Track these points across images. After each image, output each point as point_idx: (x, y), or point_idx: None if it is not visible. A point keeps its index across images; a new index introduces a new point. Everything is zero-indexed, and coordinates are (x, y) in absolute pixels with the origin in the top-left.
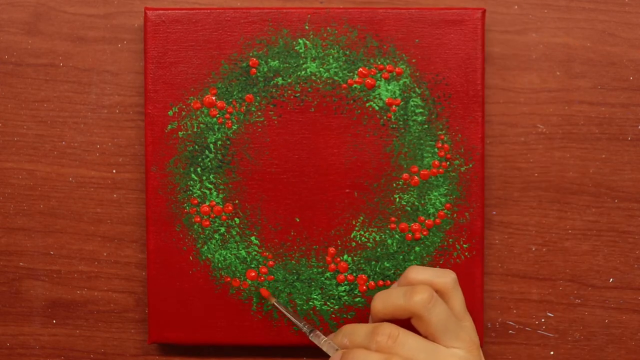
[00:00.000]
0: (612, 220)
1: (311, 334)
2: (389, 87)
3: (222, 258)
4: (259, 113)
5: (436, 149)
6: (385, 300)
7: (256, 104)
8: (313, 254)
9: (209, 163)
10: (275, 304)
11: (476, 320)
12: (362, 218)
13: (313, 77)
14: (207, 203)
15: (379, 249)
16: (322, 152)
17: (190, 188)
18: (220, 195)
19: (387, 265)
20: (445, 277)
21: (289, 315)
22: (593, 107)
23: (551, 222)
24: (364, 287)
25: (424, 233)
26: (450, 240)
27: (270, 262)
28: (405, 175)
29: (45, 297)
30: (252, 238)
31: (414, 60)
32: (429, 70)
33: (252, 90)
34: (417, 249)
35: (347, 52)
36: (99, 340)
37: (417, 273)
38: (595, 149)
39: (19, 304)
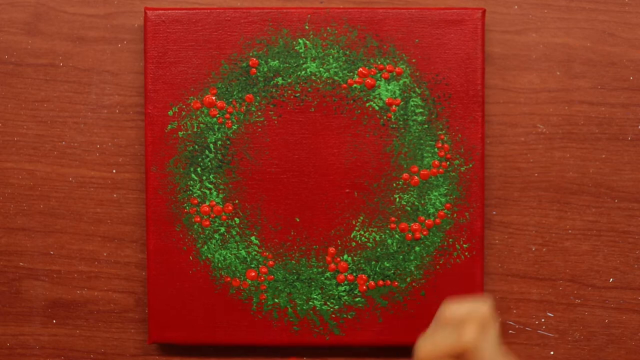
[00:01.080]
0: (612, 220)
1: None
2: (389, 87)
3: (222, 258)
4: (259, 113)
5: (436, 149)
6: (434, 343)
7: (256, 104)
8: (313, 254)
9: (209, 163)
10: None
11: None
12: (362, 218)
13: (313, 77)
14: (207, 203)
15: (379, 249)
16: (322, 152)
17: (190, 188)
18: (220, 195)
19: (387, 265)
20: (483, 309)
21: None
22: (593, 107)
23: (551, 222)
24: (364, 287)
25: (424, 233)
26: (450, 240)
27: (270, 262)
28: (405, 175)
29: (45, 297)
30: (252, 238)
31: (414, 60)
32: (429, 70)
33: (252, 90)
34: (417, 248)
35: (347, 52)
36: (99, 340)
37: (454, 310)
38: (595, 149)
39: (19, 304)
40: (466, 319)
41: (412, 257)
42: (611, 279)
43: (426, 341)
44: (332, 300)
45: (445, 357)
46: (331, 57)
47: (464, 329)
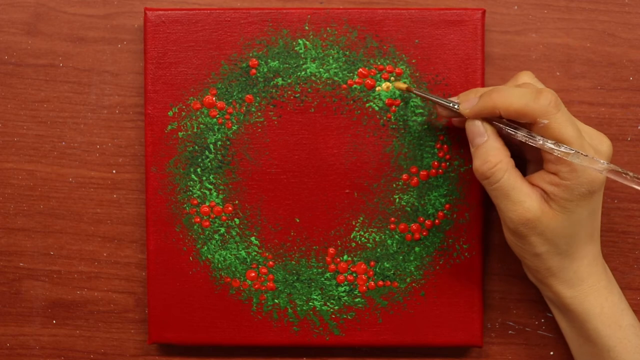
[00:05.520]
0: (612, 220)
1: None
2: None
3: (222, 258)
4: (259, 113)
5: (436, 150)
6: (511, 95)
7: (256, 104)
8: (313, 255)
9: (209, 163)
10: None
11: (476, 320)
12: (362, 218)
13: (313, 78)
14: (207, 203)
15: (378, 250)
16: (322, 152)
17: (190, 188)
18: (220, 196)
19: (387, 265)
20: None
21: (428, 96)
22: (593, 108)
23: None
24: (364, 288)
25: (424, 233)
26: (450, 240)
27: (270, 263)
28: (405, 176)
29: (45, 297)
30: (252, 238)
31: (414, 61)
32: (429, 71)
33: (252, 90)
34: (417, 249)
35: (347, 53)
36: (99, 340)
37: (532, 79)
38: None
39: (19, 304)
40: (544, 89)
41: (412, 258)
42: None
43: (504, 91)
44: (332, 301)
45: (516, 114)
46: (331, 57)
47: (543, 92)
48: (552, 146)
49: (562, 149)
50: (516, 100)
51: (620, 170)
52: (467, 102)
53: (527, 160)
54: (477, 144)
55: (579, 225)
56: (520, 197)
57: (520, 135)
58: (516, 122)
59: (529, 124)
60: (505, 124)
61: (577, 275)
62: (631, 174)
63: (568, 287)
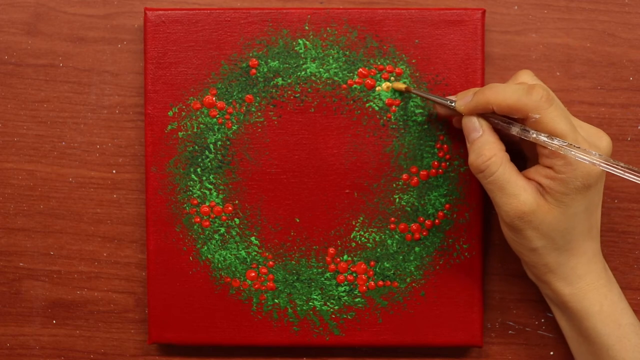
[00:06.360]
0: (612, 220)
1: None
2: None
3: (222, 258)
4: (259, 113)
5: (436, 149)
6: (504, 91)
7: (256, 104)
8: (313, 254)
9: (209, 163)
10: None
11: (476, 320)
12: (362, 218)
13: (313, 78)
14: (207, 203)
15: (378, 250)
16: (322, 152)
17: (190, 188)
18: (220, 196)
19: (387, 265)
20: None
21: (427, 96)
22: (593, 108)
23: None
24: (364, 288)
25: (424, 233)
26: (450, 240)
27: (270, 263)
28: (405, 176)
29: (45, 297)
30: (252, 238)
31: (414, 61)
32: (429, 71)
33: (252, 90)
34: (417, 249)
35: (347, 53)
36: (99, 340)
37: (528, 78)
38: None
39: (19, 304)
40: (536, 84)
41: (412, 258)
42: None
43: (497, 87)
44: (332, 301)
45: (509, 109)
46: (331, 57)
47: (535, 87)
48: (546, 139)
49: (555, 142)
50: (509, 96)
51: (611, 161)
52: (462, 99)
53: (526, 158)
54: (473, 138)
55: (575, 220)
56: (516, 190)
57: (515, 129)
58: (511, 117)
59: (523, 119)
60: (500, 119)
61: (575, 272)
62: (622, 164)
63: (566, 284)
